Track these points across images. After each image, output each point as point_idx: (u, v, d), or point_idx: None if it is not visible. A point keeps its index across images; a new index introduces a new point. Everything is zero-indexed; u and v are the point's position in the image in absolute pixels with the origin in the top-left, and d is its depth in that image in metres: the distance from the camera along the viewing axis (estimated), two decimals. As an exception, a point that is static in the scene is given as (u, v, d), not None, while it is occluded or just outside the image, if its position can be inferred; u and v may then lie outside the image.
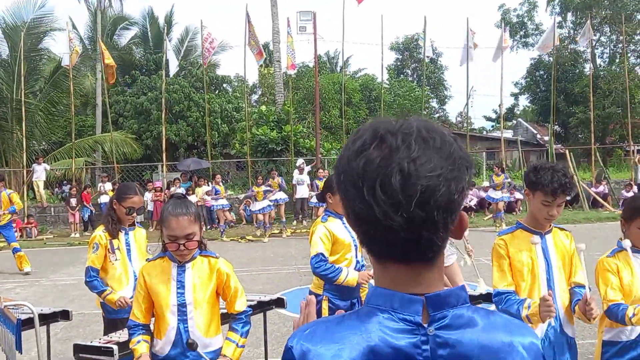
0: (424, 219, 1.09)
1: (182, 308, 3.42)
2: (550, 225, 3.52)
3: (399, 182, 1.08)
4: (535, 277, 3.43)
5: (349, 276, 4.61)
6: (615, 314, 3.41)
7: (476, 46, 22.68)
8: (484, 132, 42.28)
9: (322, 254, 4.62)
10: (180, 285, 3.43)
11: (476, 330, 1.16)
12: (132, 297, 4.34)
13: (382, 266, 1.20)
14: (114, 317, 4.95)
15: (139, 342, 3.45)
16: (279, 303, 5.67)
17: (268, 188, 17.46)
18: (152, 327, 3.57)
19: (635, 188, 20.07)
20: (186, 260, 3.45)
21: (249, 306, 5.20)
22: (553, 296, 3.38)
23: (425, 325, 1.14)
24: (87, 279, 4.87)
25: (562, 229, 3.60)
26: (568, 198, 3.40)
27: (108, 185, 20.20)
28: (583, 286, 3.44)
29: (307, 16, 21.45)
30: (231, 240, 16.90)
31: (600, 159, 23.66)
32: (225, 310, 3.66)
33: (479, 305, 4.47)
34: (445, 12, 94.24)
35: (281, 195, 18.04)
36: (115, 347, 3.92)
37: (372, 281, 5.54)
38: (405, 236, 1.11)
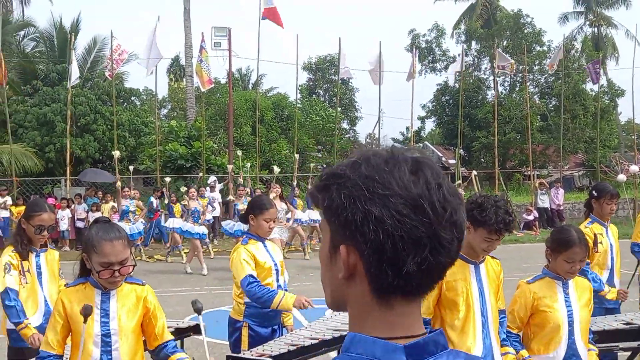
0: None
1: (106, 338, 3.19)
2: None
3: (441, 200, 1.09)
4: (469, 306, 3.44)
5: (284, 299, 4.29)
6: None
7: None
8: (393, 154, 43.02)
9: (251, 276, 4.36)
10: (105, 313, 3.20)
11: None
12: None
13: (382, 305, 1.09)
14: (20, 345, 4.58)
15: None
16: (196, 329, 5.48)
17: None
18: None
19: (535, 212, 21.06)
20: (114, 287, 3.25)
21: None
22: (485, 325, 3.42)
23: None
24: (7, 303, 4.42)
25: (492, 257, 3.62)
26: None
27: (9, 200, 19.08)
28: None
29: (222, 32, 21.23)
30: (138, 260, 16.33)
31: (503, 183, 24.66)
32: None
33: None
34: (360, 35, 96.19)
35: (207, 216, 17.00)
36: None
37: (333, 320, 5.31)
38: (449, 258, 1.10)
